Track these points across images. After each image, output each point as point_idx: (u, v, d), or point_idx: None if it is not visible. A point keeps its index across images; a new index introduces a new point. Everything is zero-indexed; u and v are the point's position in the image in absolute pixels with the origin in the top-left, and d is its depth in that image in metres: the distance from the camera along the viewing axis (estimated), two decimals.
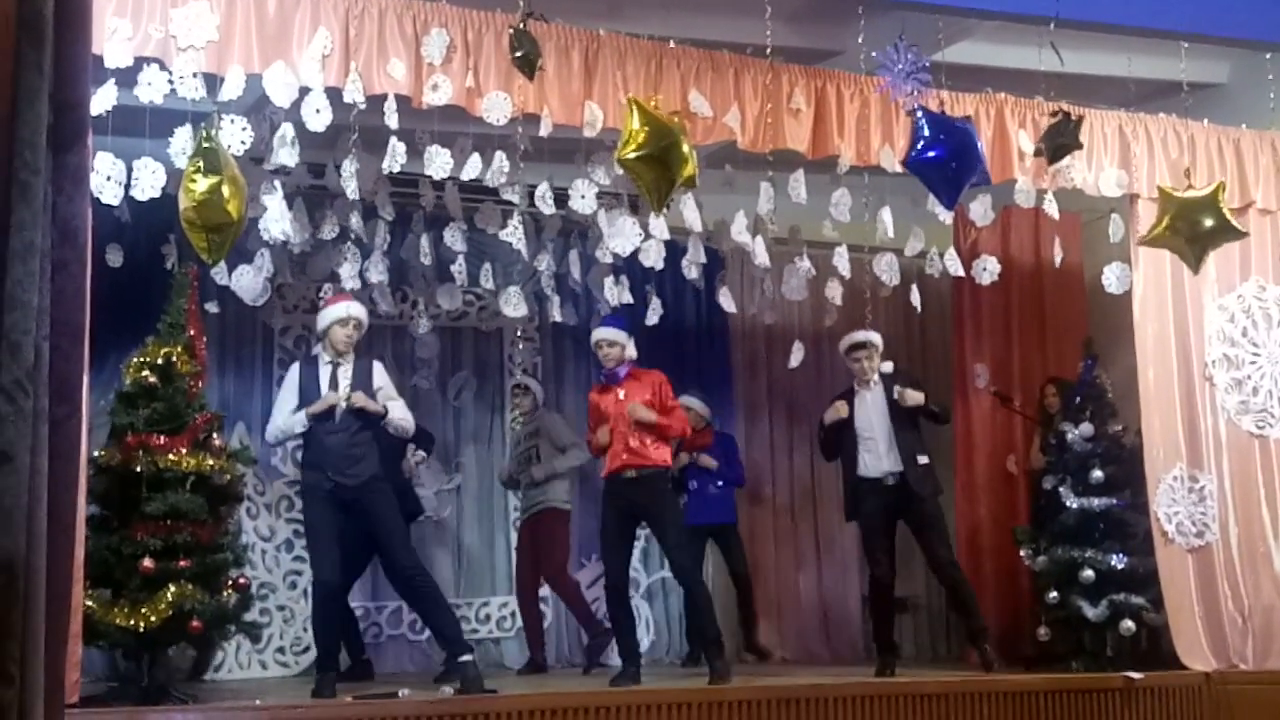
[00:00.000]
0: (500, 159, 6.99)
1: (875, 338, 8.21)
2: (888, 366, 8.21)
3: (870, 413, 8.08)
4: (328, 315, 7.13)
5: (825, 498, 10.30)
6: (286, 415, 7.06)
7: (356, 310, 7.17)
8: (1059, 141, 7.21)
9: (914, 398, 8.00)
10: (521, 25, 6.30)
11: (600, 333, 7.74)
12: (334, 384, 7.04)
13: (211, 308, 8.12)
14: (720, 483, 9.31)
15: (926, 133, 6.29)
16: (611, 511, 7.61)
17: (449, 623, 7.15)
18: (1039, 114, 7.63)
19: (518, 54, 6.27)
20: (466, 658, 6.89)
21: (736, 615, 9.54)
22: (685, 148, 6.26)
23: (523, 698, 6.53)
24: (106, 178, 6.09)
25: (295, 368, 7.19)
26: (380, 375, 7.23)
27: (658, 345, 8.69)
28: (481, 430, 9.73)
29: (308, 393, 7.03)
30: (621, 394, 7.57)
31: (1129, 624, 8.12)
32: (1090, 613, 8.18)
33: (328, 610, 7.13)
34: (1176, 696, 7.70)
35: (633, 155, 6.18)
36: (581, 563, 9.69)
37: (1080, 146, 7.37)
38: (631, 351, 7.70)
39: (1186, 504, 8.07)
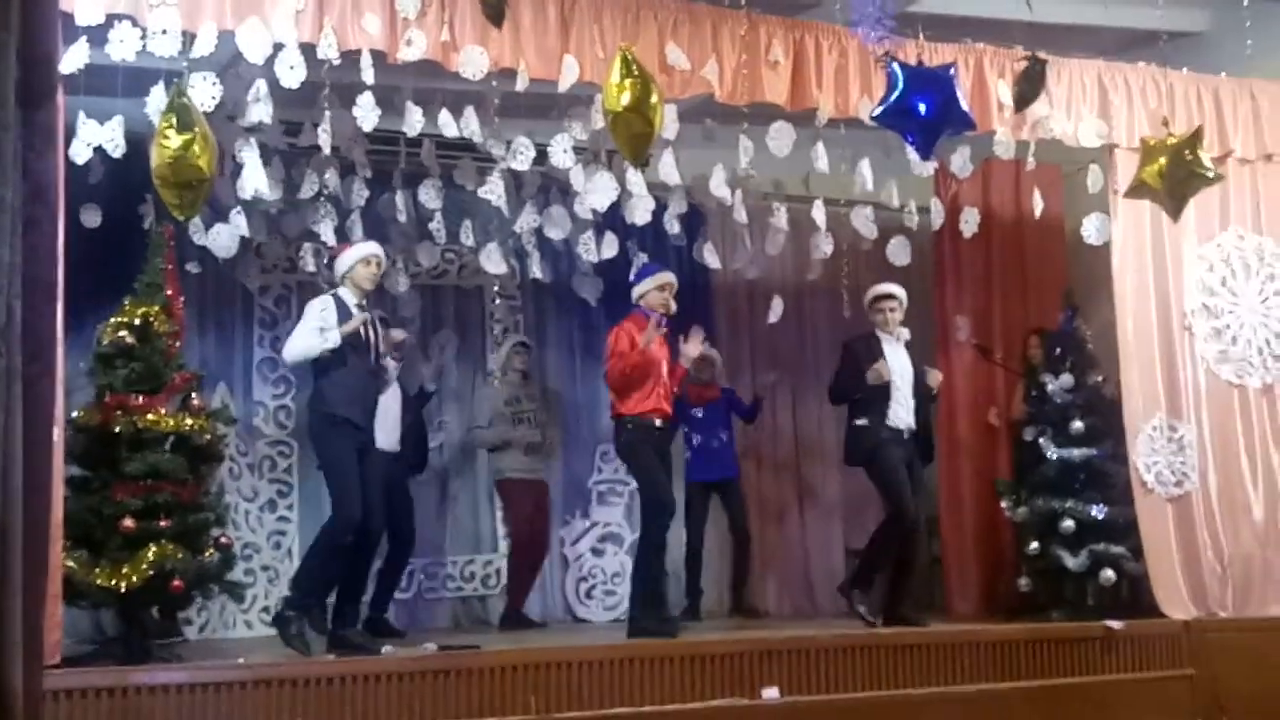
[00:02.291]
0: (470, 114, 6.95)
1: (898, 290, 8.25)
2: (906, 333, 8.23)
3: (900, 363, 8.09)
4: (351, 255, 7.12)
5: (808, 451, 10.32)
6: (313, 334, 6.90)
7: (376, 248, 7.26)
8: (1029, 85, 7.21)
9: (936, 379, 8.19)
10: None
11: (668, 275, 7.78)
12: (369, 326, 7.08)
13: (192, 268, 8.10)
14: (724, 436, 9.32)
15: (900, 84, 6.25)
16: (648, 446, 7.59)
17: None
18: (1018, 64, 7.61)
19: (487, 2, 6.23)
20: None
21: (730, 573, 9.57)
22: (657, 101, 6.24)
23: (503, 653, 6.56)
24: (77, 136, 6.05)
25: (327, 298, 7.08)
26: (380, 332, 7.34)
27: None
28: (464, 389, 9.71)
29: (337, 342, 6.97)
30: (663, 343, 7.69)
31: (1109, 573, 8.18)
32: (1071, 563, 8.23)
33: (337, 551, 6.95)
34: (1157, 645, 7.76)
35: (624, 106, 6.14)
36: (565, 520, 9.71)
37: (1042, 90, 7.37)
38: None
39: (1166, 453, 8.11)
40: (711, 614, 9.39)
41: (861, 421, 8.09)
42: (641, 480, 7.80)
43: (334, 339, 6.84)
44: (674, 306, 7.75)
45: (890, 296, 8.20)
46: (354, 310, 6.99)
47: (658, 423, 7.60)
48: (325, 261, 7.57)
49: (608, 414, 8.14)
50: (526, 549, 9.00)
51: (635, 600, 7.63)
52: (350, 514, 6.85)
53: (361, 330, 7.00)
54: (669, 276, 7.78)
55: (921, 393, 8.11)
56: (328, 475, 7.03)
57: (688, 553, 9.18)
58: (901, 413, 8.03)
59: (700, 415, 9.32)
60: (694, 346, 7.75)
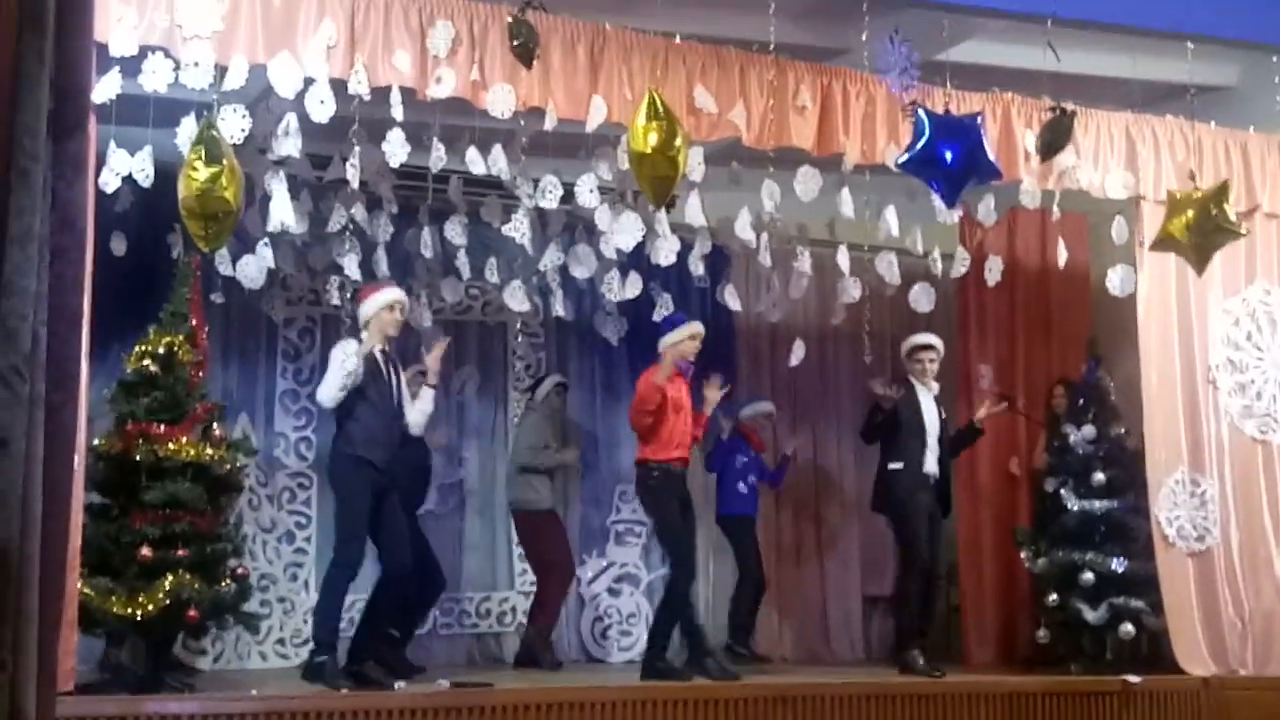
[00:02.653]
0: (497, 152, 7.00)
1: (937, 341, 8.49)
2: (934, 386, 8.46)
3: (931, 412, 8.33)
4: (376, 301, 7.16)
5: (828, 495, 10.29)
6: (342, 375, 6.93)
7: (401, 294, 7.34)
8: (1054, 136, 7.22)
9: (988, 411, 8.51)
10: (520, 14, 6.31)
11: (699, 326, 7.88)
12: (389, 368, 7.14)
13: (216, 298, 8.13)
14: (754, 481, 9.38)
15: (927, 132, 6.26)
16: (672, 498, 7.69)
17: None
18: (1045, 114, 7.62)
19: (516, 42, 6.30)
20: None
21: (737, 612, 9.49)
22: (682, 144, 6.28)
23: (517, 691, 6.54)
24: (107, 166, 6.11)
25: (351, 343, 7.13)
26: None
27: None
28: (485, 424, 9.71)
29: (368, 370, 7.00)
30: (683, 390, 7.78)
31: (1128, 627, 8.10)
32: (1090, 615, 8.17)
33: (344, 591, 7.12)
34: (1175, 701, 7.69)
35: (649, 149, 6.17)
36: (583, 559, 9.68)
37: (1070, 142, 7.39)
38: None
39: (1188, 508, 8.06)
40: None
41: (896, 465, 8.24)
42: (664, 529, 7.88)
43: (354, 360, 6.90)
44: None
45: (930, 348, 8.41)
46: (376, 354, 7.05)
47: (679, 469, 7.68)
48: (349, 296, 7.59)
49: (627, 454, 8.15)
50: (558, 569, 8.98)
51: (653, 642, 7.62)
52: (352, 558, 6.98)
53: (384, 371, 7.06)
54: (700, 327, 7.87)
55: (946, 443, 8.17)
56: (340, 514, 7.09)
57: (744, 589, 9.27)
58: (932, 460, 8.22)
59: (755, 456, 9.49)
60: (714, 392, 7.91)
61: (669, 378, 7.55)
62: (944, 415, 8.42)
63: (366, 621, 7.25)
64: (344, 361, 6.91)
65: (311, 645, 7.16)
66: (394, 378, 7.20)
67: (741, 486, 9.34)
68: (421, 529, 8.44)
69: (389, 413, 7.11)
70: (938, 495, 8.30)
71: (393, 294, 7.26)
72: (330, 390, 6.99)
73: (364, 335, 7.11)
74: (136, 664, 6.55)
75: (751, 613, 9.40)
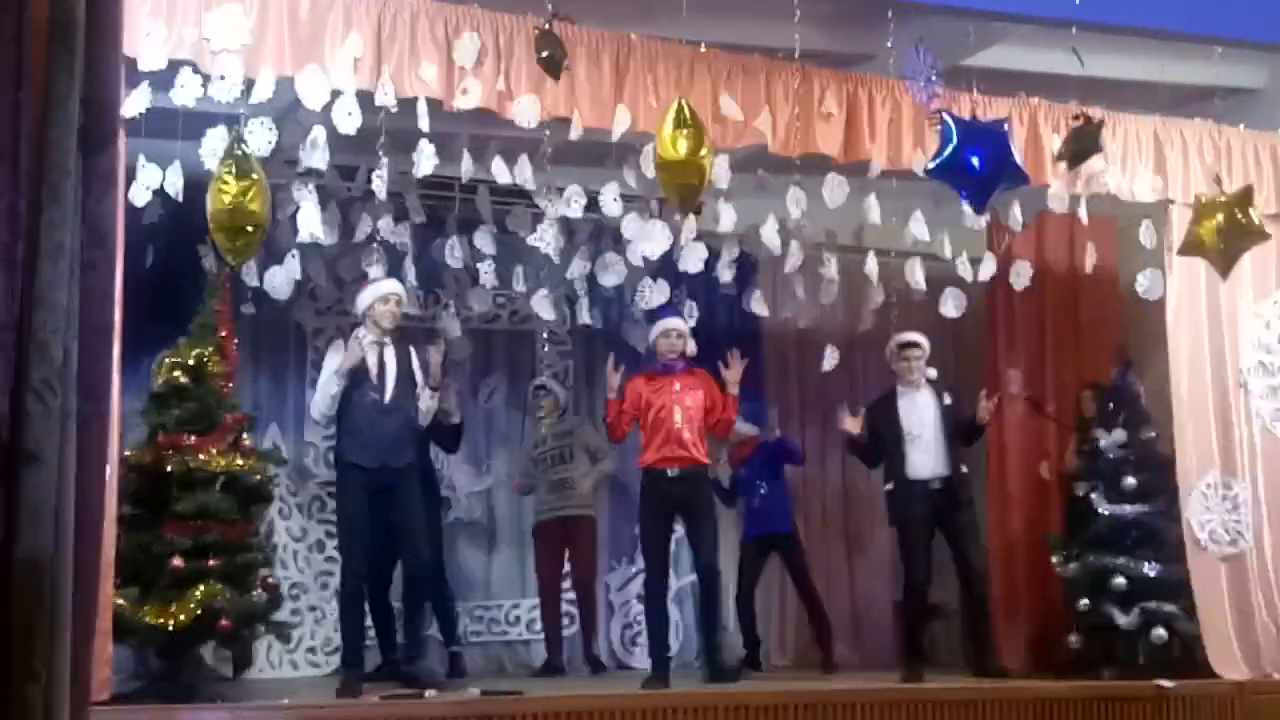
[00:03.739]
0: (523, 162, 7.03)
1: (921, 339, 8.30)
2: (932, 372, 8.26)
3: (921, 413, 8.14)
4: (368, 294, 7.24)
5: (858, 502, 10.25)
6: (328, 384, 7.08)
7: (394, 286, 7.36)
8: (1080, 147, 7.19)
9: (985, 415, 8.18)
10: (547, 26, 6.33)
11: (671, 322, 7.82)
12: (381, 365, 7.13)
13: (247, 309, 8.19)
14: (764, 490, 9.25)
15: (954, 139, 6.26)
16: (651, 507, 7.66)
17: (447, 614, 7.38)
18: (1072, 120, 7.59)
19: (543, 55, 6.32)
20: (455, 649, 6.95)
21: (809, 632, 9.48)
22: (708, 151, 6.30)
23: (548, 699, 6.55)
24: (137, 179, 6.17)
25: (339, 343, 7.19)
26: (416, 362, 7.35)
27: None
28: (513, 432, 9.74)
29: (353, 372, 7.06)
30: (678, 386, 7.66)
31: (1161, 632, 8.05)
32: (1122, 620, 8.12)
33: (356, 603, 7.18)
34: (1209, 706, 7.63)
35: (677, 156, 6.19)
36: (612, 565, 9.69)
37: (1099, 151, 7.36)
38: (691, 347, 7.87)
39: (1220, 511, 8.01)
40: (780, 668, 9.34)
41: (887, 486, 8.23)
42: (641, 539, 7.91)
43: (335, 381, 6.99)
44: (691, 348, 7.84)
45: (914, 345, 8.23)
46: (370, 359, 7.09)
47: (670, 472, 7.59)
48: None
49: None
50: (546, 592, 8.97)
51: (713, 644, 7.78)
52: (353, 569, 7.06)
53: (373, 369, 7.09)
54: (673, 323, 7.82)
55: (952, 435, 8.09)
56: (337, 526, 7.15)
57: (736, 605, 9.15)
58: (925, 460, 8.05)
59: (742, 473, 9.32)
60: (732, 371, 7.78)
61: (618, 390, 7.59)
62: (949, 403, 8.18)
63: (407, 622, 7.29)
64: (326, 384, 7.04)
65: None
66: (389, 374, 7.16)
67: (755, 501, 9.23)
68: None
69: (378, 410, 7.09)
70: (949, 498, 8.09)
71: (387, 285, 7.31)
72: (318, 406, 7.16)
73: (360, 330, 7.12)
74: (168, 673, 6.59)
75: (825, 629, 9.34)
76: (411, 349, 7.39)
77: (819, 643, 9.34)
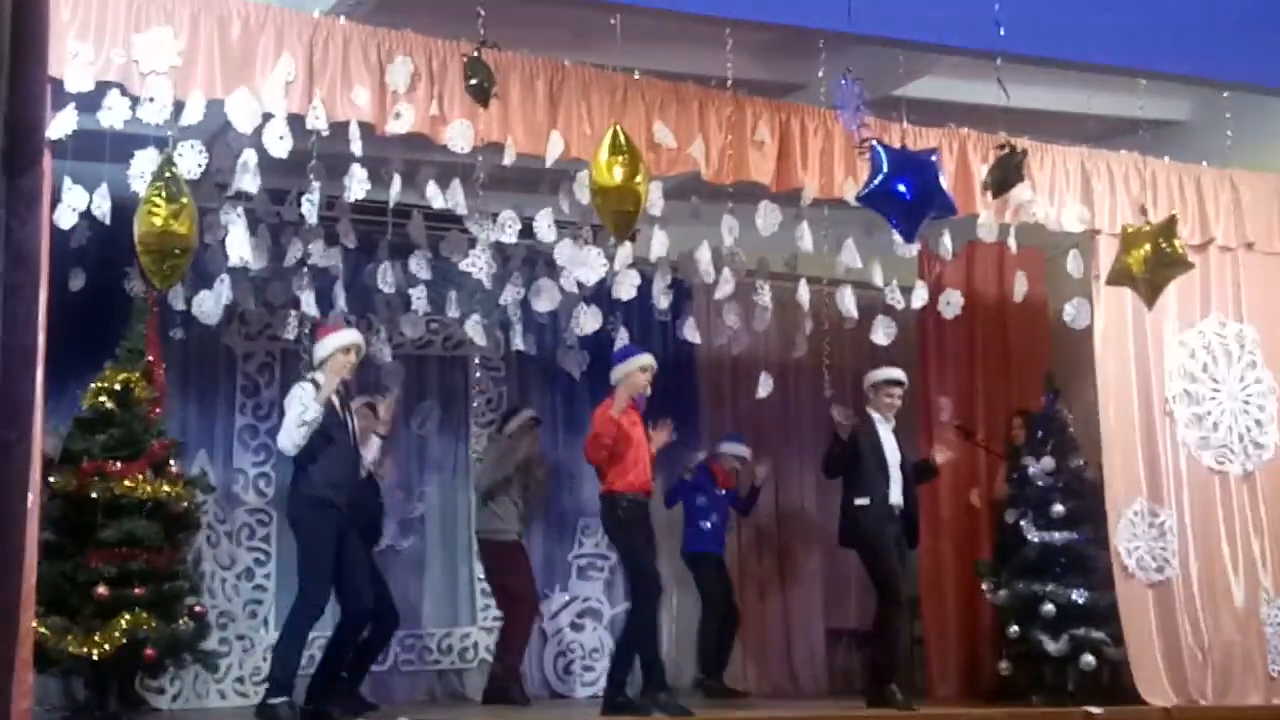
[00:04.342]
0: (456, 186, 7.01)
1: (904, 376, 8.49)
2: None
3: (893, 445, 8.29)
4: (331, 343, 7.17)
5: (791, 528, 10.30)
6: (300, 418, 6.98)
7: (357, 337, 7.37)
8: (1003, 175, 7.28)
9: (944, 456, 8.45)
10: (476, 54, 6.32)
11: (649, 359, 7.84)
12: (344, 411, 7.13)
13: (176, 334, 8.10)
14: (717, 519, 9.42)
15: (885, 167, 6.31)
16: (636, 526, 7.67)
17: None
18: (997, 148, 7.67)
19: (472, 82, 6.30)
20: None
21: (706, 645, 9.48)
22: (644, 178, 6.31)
23: None
24: (62, 202, 6.09)
25: (307, 385, 7.12)
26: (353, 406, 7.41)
27: None
28: (446, 459, 9.68)
29: (325, 415, 6.99)
30: (637, 420, 7.78)
31: (1089, 659, 8.14)
32: (1051, 647, 8.19)
33: (305, 633, 7.10)
34: None
35: (612, 183, 6.19)
36: (545, 594, 9.62)
37: (1022, 180, 7.45)
38: None
39: (1147, 539, 8.11)
40: (686, 693, 9.31)
41: (863, 501, 8.19)
42: (632, 560, 7.84)
43: (315, 411, 6.90)
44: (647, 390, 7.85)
45: (899, 383, 8.41)
46: (333, 395, 7.04)
47: (641, 497, 7.65)
48: (308, 331, 7.56)
49: (589, 487, 8.13)
50: (524, 603, 8.92)
51: (612, 677, 7.60)
52: (317, 599, 6.97)
53: (340, 414, 7.08)
54: (649, 359, 7.83)
55: (908, 473, 8.19)
56: (303, 556, 7.06)
57: (715, 621, 9.29)
58: (896, 492, 8.19)
59: (722, 494, 9.51)
60: (662, 435, 7.92)
61: (623, 410, 7.56)
62: (902, 448, 8.40)
63: (327, 661, 7.20)
64: (303, 412, 6.93)
65: (268, 685, 7.10)
66: (349, 417, 7.22)
67: (705, 524, 9.35)
68: (378, 566, 8.37)
69: (349, 453, 7.13)
70: (905, 527, 8.26)
71: (349, 336, 7.29)
72: (292, 437, 7.00)
73: (318, 375, 7.09)
74: (94, 703, 6.48)
75: (724, 647, 9.43)
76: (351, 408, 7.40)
77: (708, 655, 9.37)
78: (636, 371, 7.73)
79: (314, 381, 7.04)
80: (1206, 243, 8.42)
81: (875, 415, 8.32)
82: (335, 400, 7.09)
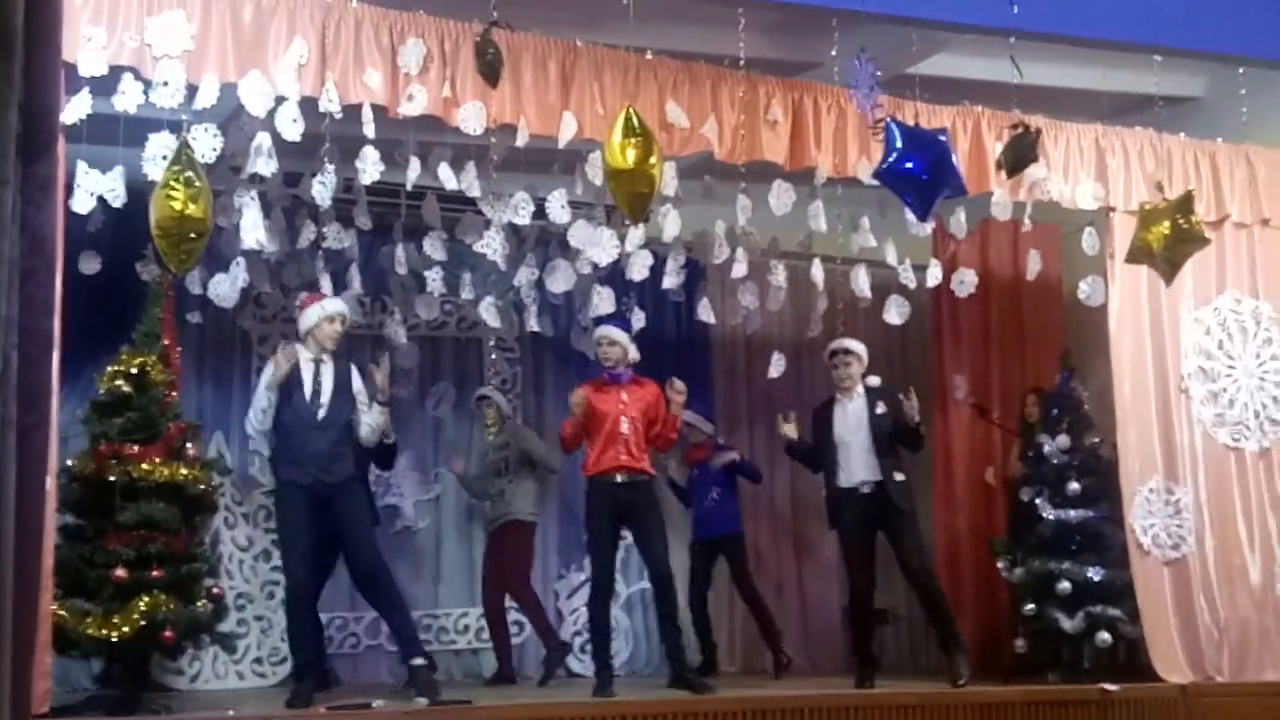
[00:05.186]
0: (470, 169, 7.02)
1: (857, 346, 8.19)
2: (874, 380, 8.21)
3: (851, 420, 8.03)
4: (315, 312, 7.14)
5: (805, 508, 10.28)
6: (261, 398, 7.02)
7: (341, 306, 7.29)
8: (1017, 155, 7.25)
9: (911, 414, 7.91)
10: (486, 33, 6.32)
11: (601, 330, 7.77)
12: (317, 381, 7.03)
13: (193, 318, 8.13)
14: (717, 494, 9.29)
15: (899, 144, 6.30)
16: (600, 514, 7.62)
17: (406, 624, 7.24)
18: (1010, 127, 7.65)
19: (487, 56, 6.30)
20: (419, 661, 6.95)
21: (756, 637, 9.54)
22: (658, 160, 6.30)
23: (497, 708, 6.53)
24: (78, 186, 6.11)
25: (275, 357, 7.12)
26: (357, 380, 7.27)
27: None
28: (461, 440, 9.71)
29: (288, 386, 6.98)
30: (625, 396, 7.62)
31: (1105, 636, 8.13)
32: (1067, 625, 8.19)
33: (303, 614, 7.14)
34: (1152, 709, 7.70)
35: (626, 165, 6.19)
36: (560, 573, 9.68)
37: (1036, 159, 7.42)
38: (633, 354, 7.77)
39: (1162, 516, 8.10)
40: (729, 674, 9.35)
41: (825, 490, 8.21)
42: (590, 551, 7.87)
43: (266, 396, 6.94)
44: (632, 355, 7.73)
45: (846, 352, 8.15)
46: (305, 375, 7.01)
47: (619, 478, 7.56)
48: (297, 308, 7.56)
49: None
50: (490, 602, 8.94)
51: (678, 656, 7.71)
52: (297, 580, 7.01)
53: (307, 385, 7.01)
54: (608, 331, 7.75)
55: (886, 442, 7.96)
56: (280, 540, 7.13)
57: (690, 610, 9.15)
58: (855, 468, 7.97)
59: (695, 474, 9.36)
60: (673, 393, 7.73)
61: (581, 402, 7.56)
62: (880, 412, 8.00)
63: (289, 642, 7.33)
64: (258, 398, 7.01)
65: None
66: (325, 389, 7.06)
67: (706, 504, 9.28)
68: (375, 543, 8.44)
69: (312, 426, 6.98)
70: (880, 503, 7.92)
71: (333, 305, 7.24)
72: (251, 423, 7.11)
73: (299, 346, 7.09)
74: (113, 685, 6.52)
75: (769, 629, 9.41)
76: (353, 366, 7.33)
77: (768, 645, 9.37)
78: (605, 346, 7.69)
79: (283, 351, 7.06)
80: (1222, 219, 8.39)
81: (836, 393, 8.17)
82: (306, 375, 7.04)
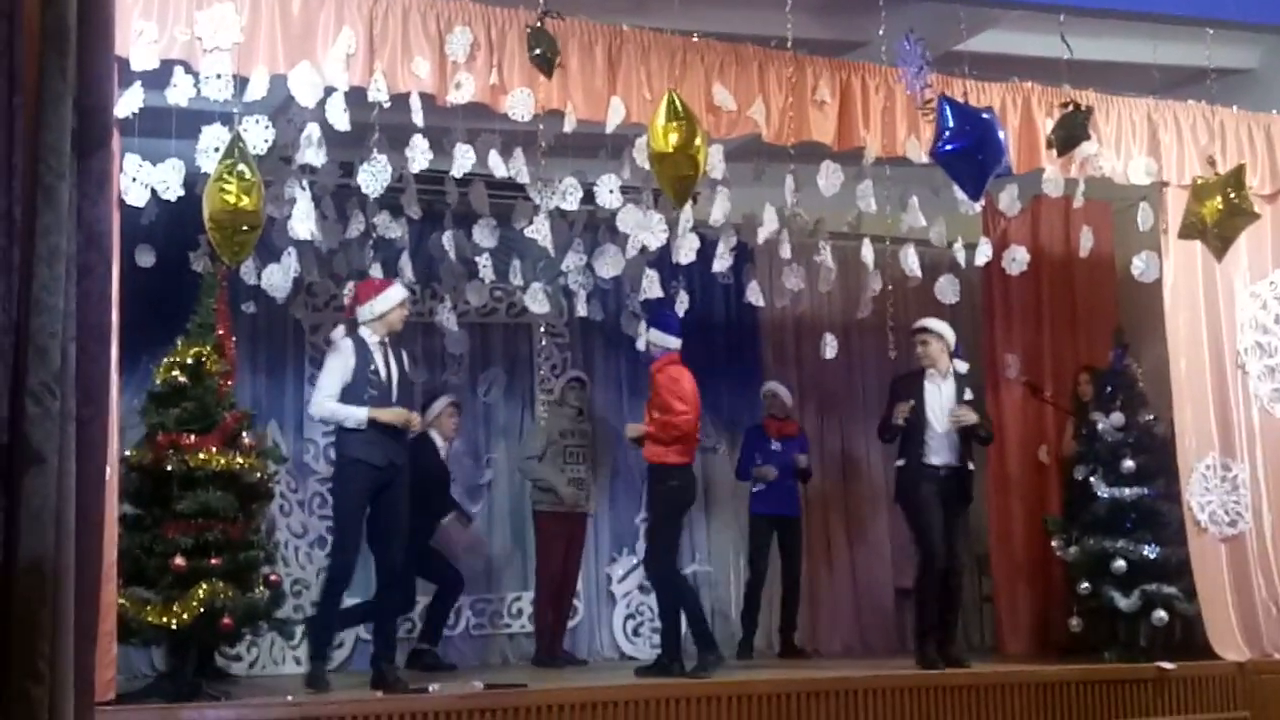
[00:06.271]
0: (518, 155, 7.04)
1: (937, 325, 8.22)
2: (962, 366, 8.25)
3: (943, 401, 8.07)
4: (390, 298, 7.21)
5: (858, 489, 10.29)
6: (336, 399, 7.03)
7: (405, 291, 7.45)
8: (1068, 133, 7.19)
9: (967, 419, 8.01)
10: (539, 24, 6.33)
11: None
12: (388, 364, 7.14)
13: (246, 308, 8.20)
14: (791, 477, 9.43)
15: (951, 124, 6.26)
16: (685, 502, 7.86)
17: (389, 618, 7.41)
18: (1060, 105, 7.59)
19: (535, 52, 6.33)
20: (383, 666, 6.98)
21: (778, 616, 9.55)
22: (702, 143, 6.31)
23: (551, 691, 6.57)
24: (133, 179, 6.17)
25: (348, 344, 7.16)
26: (406, 361, 7.41)
27: (688, 339, 8.64)
28: (512, 426, 9.76)
29: (360, 371, 7.04)
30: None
31: (1161, 614, 8.07)
32: (1122, 603, 8.14)
33: (340, 595, 7.23)
34: (1210, 686, 7.67)
35: (669, 149, 6.19)
36: (613, 556, 9.74)
37: (1088, 138, 7.36)
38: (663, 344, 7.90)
39: (1219, 493, 8.03)
40: (761, 654, 9.37)
41: (900, 461, 8.19)
42: (664, 533, 7.91)
43: (362, 422, 6.98)
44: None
45: (924, 330, 8.18)
46: (378, 360, 7.08)
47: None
48: (353, 296, 7.61)
49: None
50: (551, 584, 8.98)
51: (665, 640, 7.75)
52: (342, 563, 7.09)
53: (381, 369, 7.10)
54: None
55: (966, 431, 8.05)
56: (334, 517, 7.21)
57: (748, 586, 9.28)
58: (941, 450, 8.01)
59: (777, 449, 9.40)
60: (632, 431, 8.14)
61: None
62: (967, 400, 8.12)
63: (315, 619, 7.43)
64: (344, 366, 7.04)
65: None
66: (395, 372, 7.16)
67: (758, 486, 9.37)
68: (435, 531, 8.51)
69: (387, 407, 7.06)
70: (954, 486, 8.03)
71: (404, 291, 7.38)
72: (323, 408, 7.13)
73: (364, 330, 7.15)
74: (174, 672, 6.61)
75: (793, 615, 9.46)
76: (403, 352, 7.40)
77: (781, 630, 9.42)
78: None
79: (355, 339, 7.12)
80: (1276, 192, 8.28)
81: (926, 370, 8.18)
82: (379, 356, 7.11)
